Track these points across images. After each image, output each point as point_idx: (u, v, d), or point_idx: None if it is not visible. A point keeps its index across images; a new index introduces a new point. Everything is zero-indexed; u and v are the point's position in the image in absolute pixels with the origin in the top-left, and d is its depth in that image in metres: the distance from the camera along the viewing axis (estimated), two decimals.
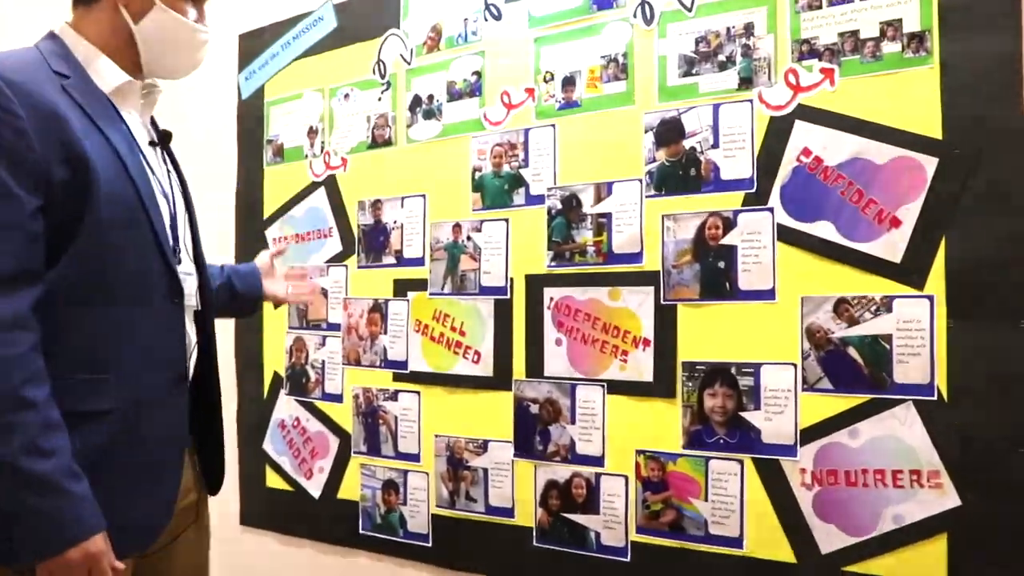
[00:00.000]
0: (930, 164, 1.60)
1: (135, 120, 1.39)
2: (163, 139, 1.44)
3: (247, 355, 2.59)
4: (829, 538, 1.68)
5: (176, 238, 1.38)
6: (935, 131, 1.60)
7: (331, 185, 2.42)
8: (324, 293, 2.41)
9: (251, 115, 2.62)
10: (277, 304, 1.93)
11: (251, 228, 2.61)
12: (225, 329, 2.59)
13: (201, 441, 1.50)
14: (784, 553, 1.73)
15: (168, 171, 1.44)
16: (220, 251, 2.61)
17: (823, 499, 1.69)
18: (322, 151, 2.44)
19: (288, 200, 2.52)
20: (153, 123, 1.48)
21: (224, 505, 2.58)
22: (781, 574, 1.72)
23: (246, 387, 2.62)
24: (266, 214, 2.57)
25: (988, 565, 1.54)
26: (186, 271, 1.40)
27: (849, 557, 1.66)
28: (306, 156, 2.48)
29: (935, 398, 1.59)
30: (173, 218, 1.39)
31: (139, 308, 1.29)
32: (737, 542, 1.77)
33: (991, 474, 1.54)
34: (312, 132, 2.47)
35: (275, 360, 2.53)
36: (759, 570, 1.75)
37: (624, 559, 1.90)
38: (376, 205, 2.31)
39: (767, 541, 1.74)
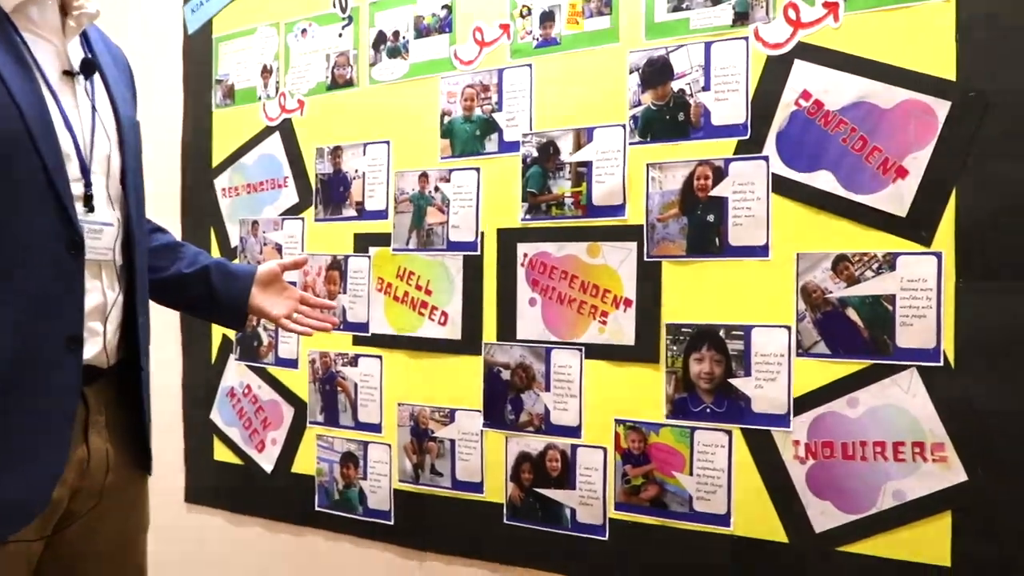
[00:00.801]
0: (942, 108, 1.57)
1: (45, 46, 1.30)
2: (83, 68, 1.36)
3: (193, 317, 2.50)
4: (823, 516, 1.67)
5: (88, 183, 1.30)
6: (948, 72, 1.56)
7: (286, 130, 2.38)
8: (279, 249, 2.36)
9: (198, 52, 2.56)
10: (271, 322, 1.76)
11: (198, 178, 2.56)
12: None
13: (128, 414, 1.43)
14: (775, 532, 1.72)
15: (93, 107, 1.36)
16: (163, 204, 2.56)
17: (818, 474, 1.68)
18: (277, 93, 2.40)
19: (239, 147, 2.47)
20: (90, 51, 1.40)
21: (167, 481, 2.56)
22: (771, 554, 1.72)
23: (192, 352, 2.58)
24: (215, 162, 2.52)
25: (995, 546, 1.52)
26: (102, 221, 1.32)
27: (845, 536, 1.65)
28: (259, 98, 2.43)
29: (941, 364, 1.57)
30: (84, 160, 1.31)
31: (16, 258, 1.20)
32: (724, 520, 1.76)
33: (1001, 447, 1.52)
34: (266, 71, 2.42)
35: None
36: (747, 550, 1.74)
37: (602, 537, 1.89)
38: (336, 152, 2.28)
39: (756, 519, 1.73)
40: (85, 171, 1.29)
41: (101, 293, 1.33)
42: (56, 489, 1.26)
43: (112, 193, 1.36)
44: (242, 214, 2.45)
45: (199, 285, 1.65)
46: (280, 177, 2.39)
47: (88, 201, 1.29)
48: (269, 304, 1.73)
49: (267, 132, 2.42)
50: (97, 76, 1.38)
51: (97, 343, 1.33)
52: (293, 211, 2.37)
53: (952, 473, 1.56)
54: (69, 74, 1.33)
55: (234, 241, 2.47)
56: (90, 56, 1.38)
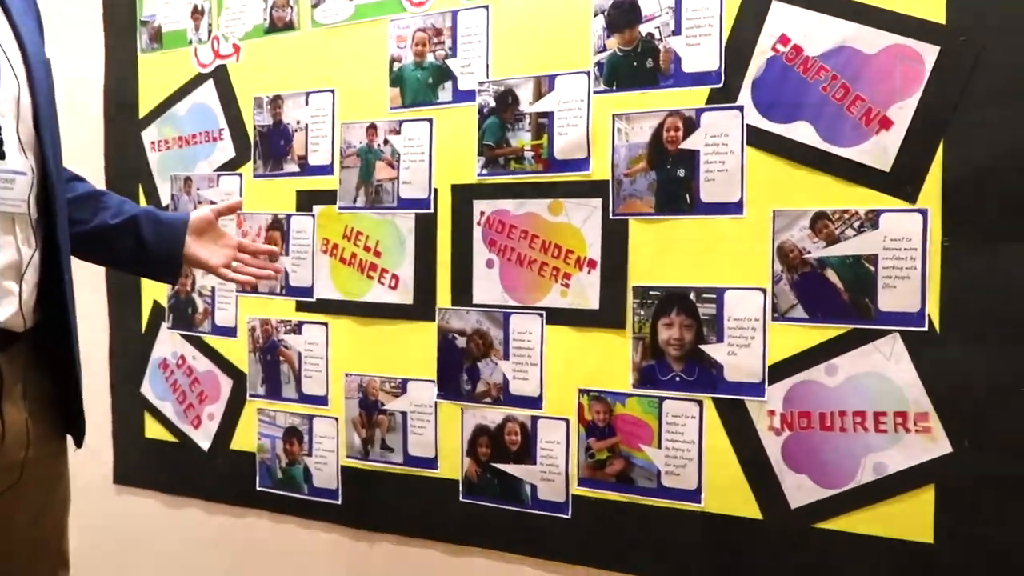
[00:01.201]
0: (930, 54, 1.54)
1: None
2: None
3: (120, 280, 2.48)
4: (800, 491, 1.66)
5: None
6: (937, 15, 1.53)
7: (221, 78, 2.31)
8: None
9: None
10: (209, 272, 1.72)
11: (123, 130, 2.47)
12: None
13: (53, 383, 1.37)
14: (748, 508, 1.71)
15: None
16: (84, 159, 2.43)
17: (794, 446, 1.67)
18: (209, 36, 2.32)
19: (169, 96, 2.39)
20: None
21: (93, 461, 2.50)
22: (744, 532, 1.70)
23: (120, 319, 2.51)
24: (142, 112, 2.44)
25: (980, 521, 1.52)
26: (13, 169, 1.25)
27: (822, 512, 1.64)
28: (190, 42, 2.35)
29: (926, 329, 1.56)
30: None
31: None
32: (694, 495, 1.75)
33: (988, 417, 1.51)
34: (197, 12, 2.34)
35: (155, 287, 2.42)
36: (719, 527, 1.73)
37: (564, 515, 1.88)
38: (276, 102, 2.22)
39: (729, 494, 1.72)
40: None
41: (15, 249, 1.26)
42: None
43: (24, 138, 1.28)
44: (173, 170, 2.38)
45: (127, 237, 1.58)
46: (215, 129, 2.32)
47: None
48: (206, 253, 1.67)
49: (199, 80, 2.34)
50: None
51: (11, 304, 1.26)
52: (229, 166, 2.30)
53: (936, 445, 1.55)
54: None
55: (165, 199, 2.40)
56: None
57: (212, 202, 2.26)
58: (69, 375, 1.39)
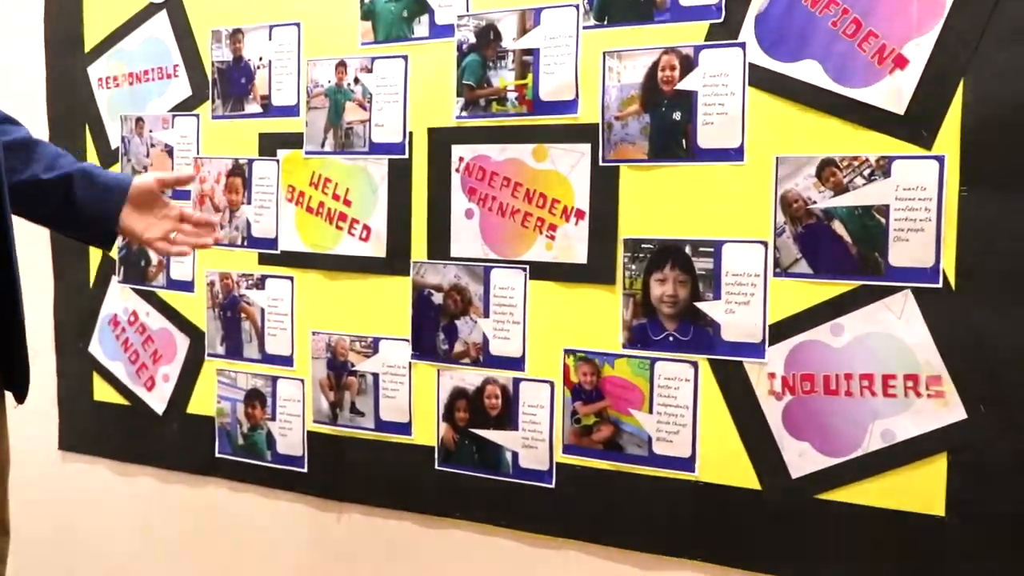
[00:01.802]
0: None
1: None
2: None
3: None
4: (802, 459, 1.65)
5: None
6: None
7: (176, 8, 2.26)
8: (169, 151, 2.28)
9: None
10: (141, 244, 1.70)
11: (67, 64, 2.43)
12: None
13: None
14: (746, 478, 1.70)
15: None
16: (23, 96, 2.42)
17: (796, 411, 1.66)
18: None
19: (118, 28, 2.35)
20: None
21: (37, 425, 2.46)
22: (742, 503, 1.70)
23: (65, 272, 2.48)
24: (88, 46, 2.40)
25: (995, 493, 1.51)
26: None
27: (825, 482, 1.64)
28: None
29: (940, 286, 1.54)
30: None
31: None
32: (688, 464, 1.75)
33: (1005, 381, 1.50)
34: None
35: None
36: (714, 498, 1.73)
37: (548, 484, 1.88)
38: (236, 36, 2.18)
39: (725, 463, 1.72)
40: None
41: None
42: None
43: None
44: (124, 109, 2.34)
45: (57, 195, 1.54)
46: (169, 65, 2.29)
47: None
48: (142, 225, 1.64)
49: (152, 10, 2.30)
50: None
51: None
52: (185, 106, 2.28)
53: (949, 411, 1.54)
54: None
55: (115, 142, 2.37)
56: None
57: (167, 145, 2.27)
58: (10, 318, 1.35)
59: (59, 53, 2.45)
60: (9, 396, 1.43)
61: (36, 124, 2.40)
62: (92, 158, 2.38)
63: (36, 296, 2.47)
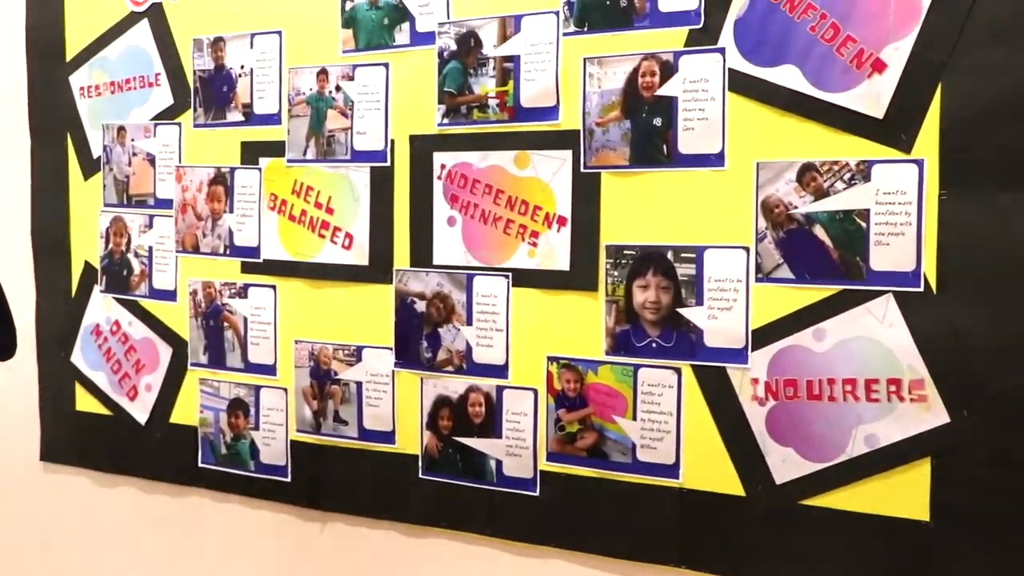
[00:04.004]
0: None
1: None
2: None
3: (48, 239, 2.46)
4: (785, 465, 1.65)
5: None
6: None
7: (157, 17, 2.27)
8: (151, 160, 2.28)
9: None
10: None
11: (49, 73, 2.43)
12: (15, 203, 2.42)
13: None
14: (730, 484, 1.70)
15: None
16: (4, 105, 2.43)
17: (779, 417, 1.66)
18: None
19: (100, 36, 2.35)
20: None
21: (19, 437, 2.46)
22: (726, 510, 1.70)
23: (47, 281, 2.48)
24: (69, 55, 2.40)
25: (979, 496, 1.51)
26: None
27: (810, 488, 1.64)
28: None
29: (921, 290, 1.54)
30: None
31: None
32: (672, 471, 1.74)
33: (987, 384, 1.50)
34: None
35: (86, 246, 2.40)
36: (699, 505, 1.72)
37: (532, 493, 1.87)
38: (217, 45, 2.19)
39: (709, 469, 1.72)
40: None
41: None
42: None
43: None
44: (106, 118, 2.34)
45: None
46: (150, 74, 2.29)
47: None
48: None
49: (133, 19, 2.30)
50: None
51: None
52: (167, 115, 2.27)
53: (932, 414, 1.54)
54: None
55: (96, 151, 2.36)
56: None
57: (149, 154, 2.27)
58: None
59: (41, 62, 2.45)
60: None
61: (18, 134, 2.41)
62: (74, 167, 2.38)
63: (18, 306, 2.41)
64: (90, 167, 2.37)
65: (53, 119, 2.42)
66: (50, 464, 2.52)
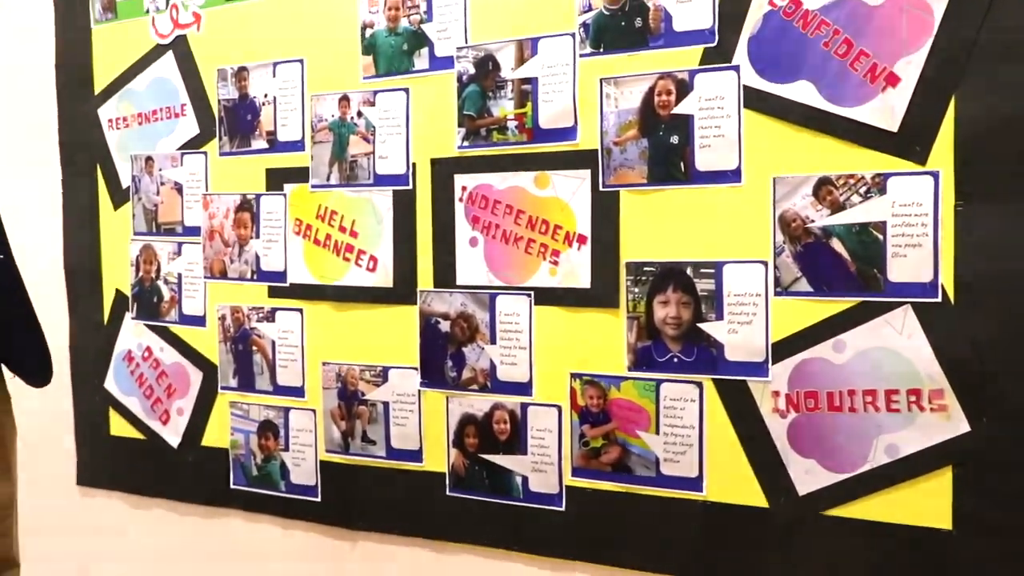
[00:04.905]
0: (939, 2, 1.51)
1: None
2: None
3: (80, 268, 2.47)
4: (808, 476, 1.65)
5: None
6: None
7: (182, 49, 2.29)
8: (179, 189, 2.30)
9: None
10: None
11: (78, 107, 2.45)
12: (48, 234, 2.45)
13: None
14: (753, 496, 1.70)
15: None
16: (36, 137, 2.45)
17: (800, 428, 1.65)
18: (168, 5, 2.29)
19: (126, 69, 2.37)
20: None
21: (56, 462, 2.48)
22: (749, 521, 1.69)
23: (80, 310, 2.49)
24: (97, 88, 2.42)
25: (1002, 504, 1.50)
26: None
27: (832, 498, 1.63)
28: (147, 11, 2.33)
29: (939, 300, 1.54)
30: None
31: None
32: (696, 484, 1.74)
33: (1008, 393, 1.49)
34: None
35: (117, 275, 2.42)
36: (723, 517, 1.72)
37: (558, 508, 1.87)
38: (241, 74, 2.20)
39: (732, 482, 1.71)
40: None
41: None
42: None
43: None
44: (134, 149, 2.36)
45: None
46: (176, 104, 2.31)
47: None
48: None
49: (158, 52, 2.32)
50: None
51: None
52: (193, 144, 2.29)
53: (953, 424, 1.53)
54: None
55: (125, 181, 2.38)
56: None
57: (176, 183, 2.28)
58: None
59: (70, 96, 2.47)
60: (22, 435, 1.43)
61: (49, 166, 2.44)
62: (104, 198, 2.40)
63: (52, 334, 2.43)
64: (120, 197, 2.39)
65: (83, 151, 2.44)
66: (86, 488, 2.54)
